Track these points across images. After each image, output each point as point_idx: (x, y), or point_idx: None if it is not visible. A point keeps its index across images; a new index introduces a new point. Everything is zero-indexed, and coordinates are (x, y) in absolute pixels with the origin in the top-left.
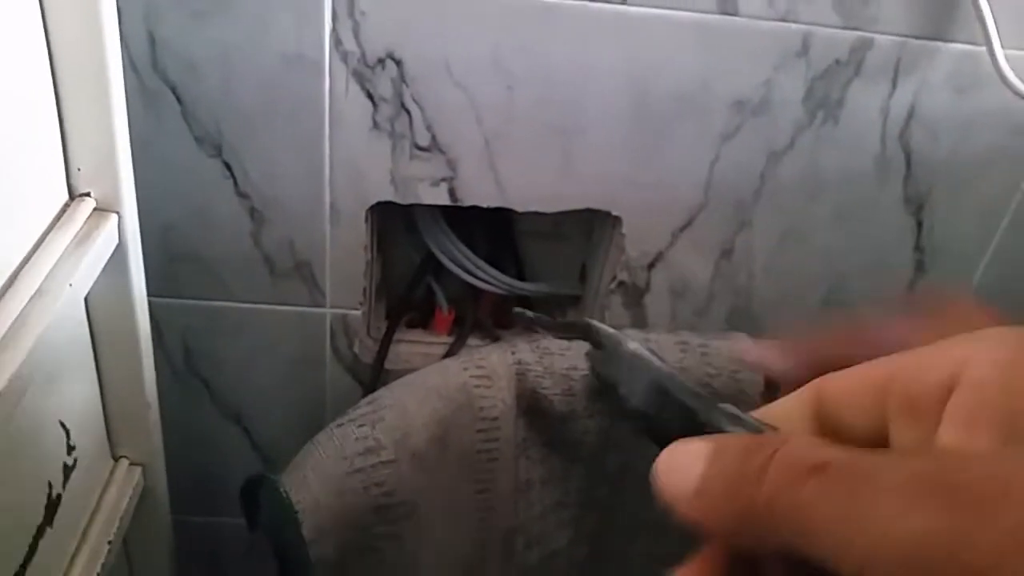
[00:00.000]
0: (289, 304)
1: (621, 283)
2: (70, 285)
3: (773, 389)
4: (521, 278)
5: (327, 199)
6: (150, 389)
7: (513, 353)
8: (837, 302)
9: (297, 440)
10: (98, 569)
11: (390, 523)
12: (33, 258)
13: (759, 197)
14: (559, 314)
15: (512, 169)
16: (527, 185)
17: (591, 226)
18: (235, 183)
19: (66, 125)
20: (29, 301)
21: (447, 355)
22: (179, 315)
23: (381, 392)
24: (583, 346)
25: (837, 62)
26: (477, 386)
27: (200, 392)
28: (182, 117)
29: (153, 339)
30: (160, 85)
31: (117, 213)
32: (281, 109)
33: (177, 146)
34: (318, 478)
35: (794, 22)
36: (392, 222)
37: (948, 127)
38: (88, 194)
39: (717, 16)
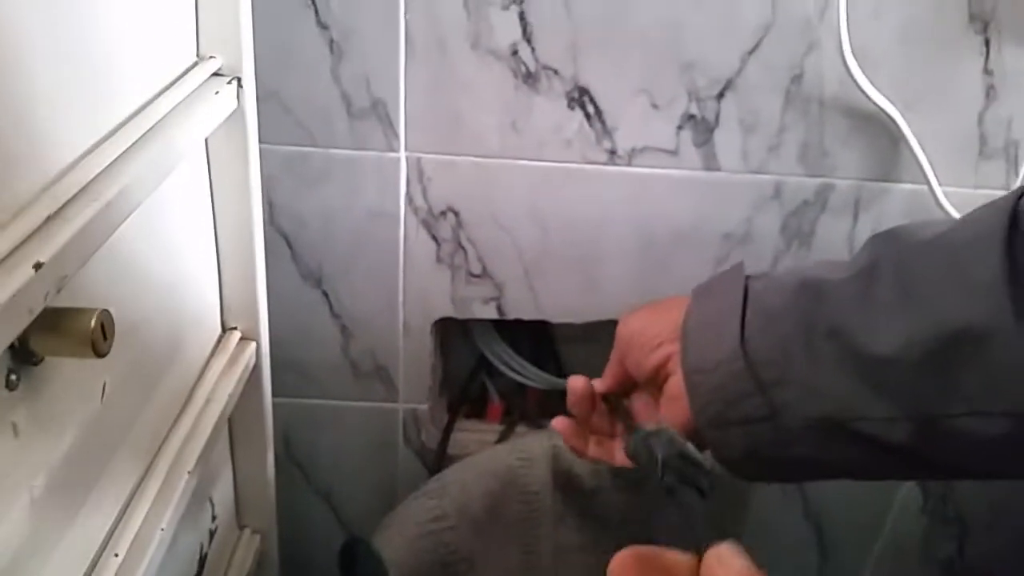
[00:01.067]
0: (370, 400)
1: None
2: (228, 394)
3: None
4: (560, 375)
5: (401, 317)
6: (270, 474)
7: (550, 439)
8: None
9: (373, 512)
10: None
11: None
12: (200, 381)
13: None
14: None
15: (547, 290)
16: (559, 302)
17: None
18: (330, 307)
19: (223, 276)
20: (203, 410)
21: (498, 441)
22: (281, 412)
23: (445, 472)
24: None
25: (805, 202)
26: (520, 467)
27: (297, 477)
28: (291, 259)
29: None
30: (275, 235)
31: (256, 341)
32: (367, 250)
33: (287, 280)
34: (401, 539)
35: (767, 173)
36: (451, 332)
37: None
38: (236, 327)
39: (703, 172)
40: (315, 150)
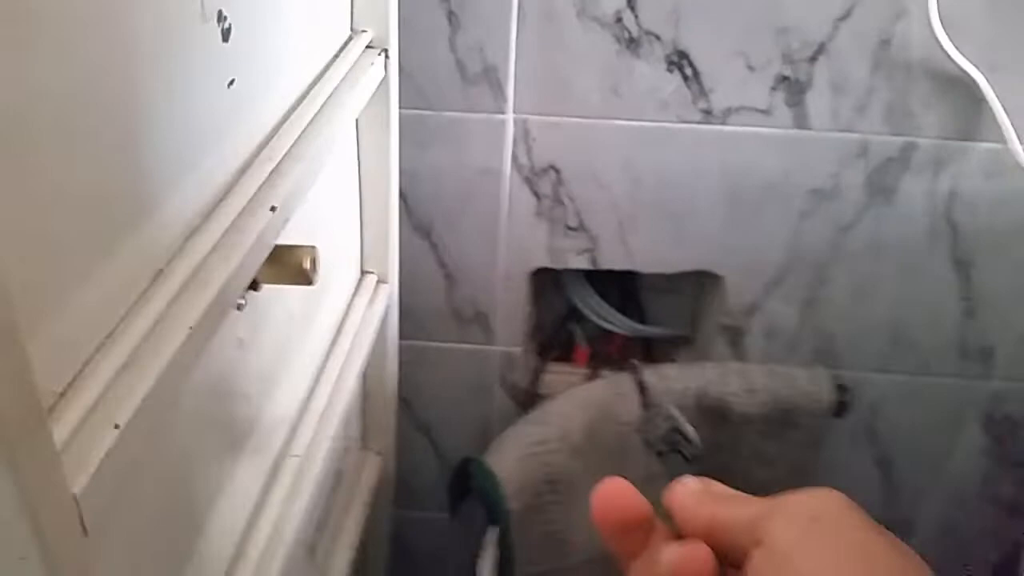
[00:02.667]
0: (470, 343)
1: (725, 327)
2: (372, 328)
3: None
4: (643, 323)
5: (500, 267)
6: (392, 403)
7: (639, 375)
8: (902, 342)
9: (467, 446)
10: (361, 523)
11: (555, 493)
12: (348, 314)
13: (834, 261)
14: (672, 350)
15: (638, 242)
16: (650, 253)
17: (700, 281)
18: (438, 257)
19: (364, 227)
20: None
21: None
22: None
23: (548, 403)
24: (693, 374)
25: (889, 160)
26: (614, 400)
27: (403, 411)
28: (405, 212)
29: None
30: None
31: (388, 283)
32: (474, 204)
33: (400, 232)
34: (510, 458)
35: (854, 132)
36: (544, 281)
37: (984, 204)
38: (372, 271)
39: (794, 130)
40: (431, 113)
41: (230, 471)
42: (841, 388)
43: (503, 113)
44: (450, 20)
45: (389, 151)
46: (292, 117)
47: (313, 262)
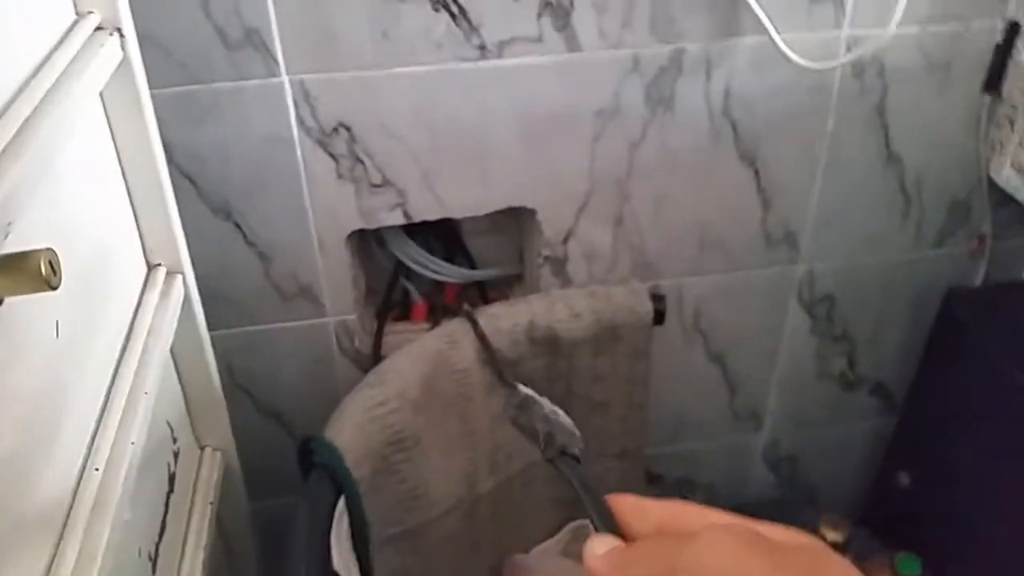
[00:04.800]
0: (300, 319)
1: (547, 258)
2: (166, 322)
3: (659, 318)
4: (473, 268)
5: (314, 236)
6: (219, 392)
7: (471, 321)
8: (711, 243)
9: (322, 421)
10: (208, 519)
11: (402, 451)
12: (138, 313)
13: (631, 176)
14: (507, 288)
15: (446, 189)
16: (459, 198)
17: (518, 218)
18: (244, 237)
19: (139, 218)
20: (146, 347)
21: None
22: (220, 343)
23: (382, 363)
24: (520, 310)
25: (662, 69)
26: (448, 348)
27: (244, 400)
28: (198, 196)
29: None
30: (178, 176)
31: (181, 273)
32: (269, 176)
33: (198, 217)
34: (350, 427)
35: (624, 47)
36: (367, 243)
37: (757, 97)
38: (160, 264)
39: (567, 55)
40: (199, 87)
41: (27, 494)
42: (656, 297)
43: (276, 76)
44: None
45: (148, 135)
46: (5, 115)
47: (51, 264)
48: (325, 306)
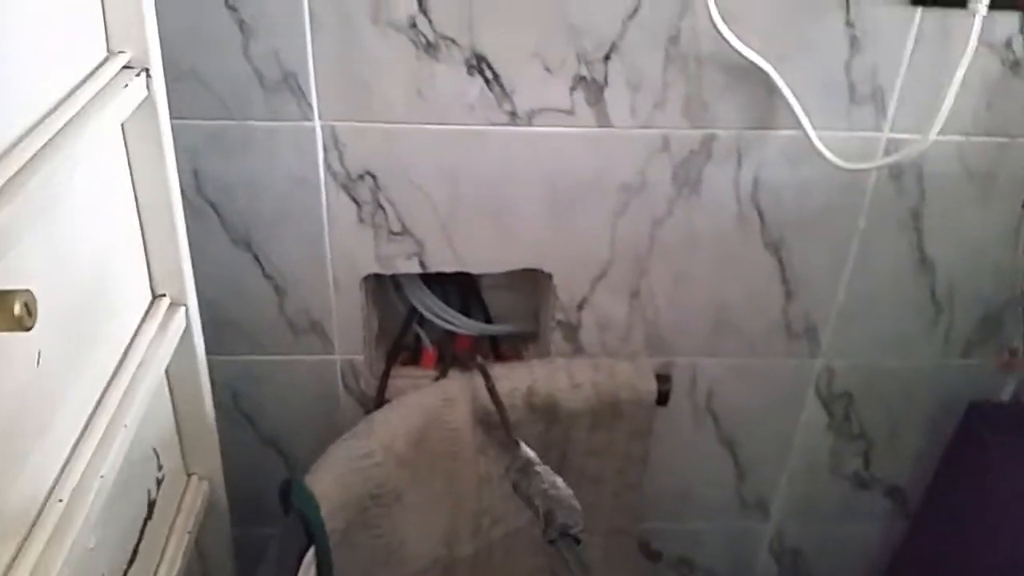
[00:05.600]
0: (308, 354)
1: (559, 322)
2: (161, 355)
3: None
4: (488, 321)
5: (330, 275)
6: (211, 422)
7: (470, 380)
8: (728, 327)
9: (318, 457)
10: (183, 550)
11: (382, 506)
12: (132, 344)
13: (652, 252)
14: (521, 346)
15: (464, 243)
16: (477, 254)
17: (536, 279)
18: (262, 269)
19: (148, 248)
20: (136, 374)
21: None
22: (227, 368)
23: (374, 415)
24: (521, 374)
25: (692, 152)
26: (442, 406)
27: (246, 428)
28: (221, 226)
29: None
30: (203, 204)
31: (184, 305)
32: (292, 214)
33: (219, 246)
34: (330, 476)
35: (655, 127)
36: (383, 287)
37: (788, 190)
38: (164, 294)
39: (597, 128)
40: (235, 123)
41: None
42: (661, 378)
43: (309, 120)
44: (241, 28)
45: (165, 169)
46: (15, 149)
47: (27, 307)
48: (334, 344)
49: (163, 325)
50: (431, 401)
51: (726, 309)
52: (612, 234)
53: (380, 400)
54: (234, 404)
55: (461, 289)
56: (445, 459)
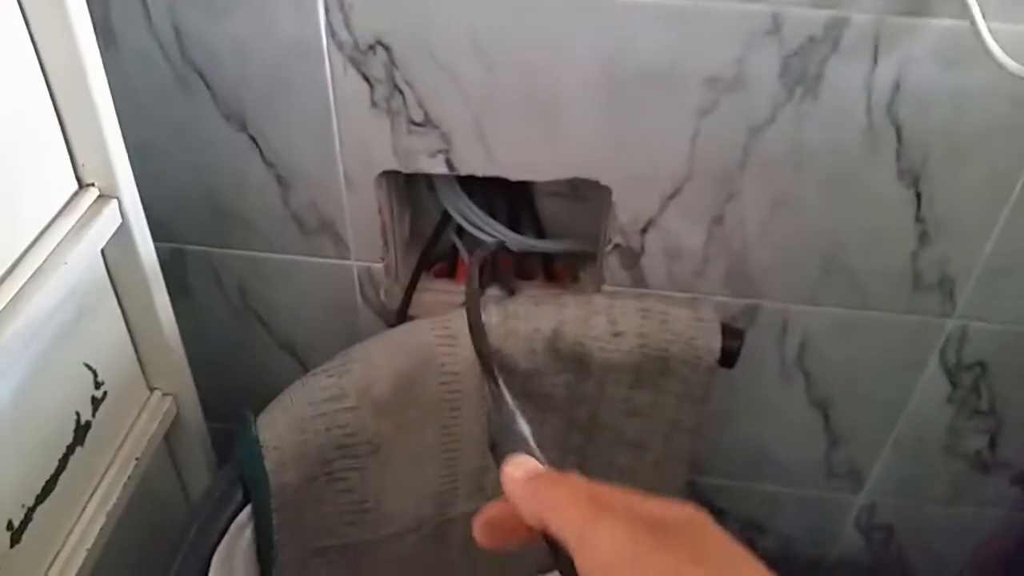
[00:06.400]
0: (320, 256)
1: (617, 246)
2: (65, 263)
3: (730, 359)
4: (541, 236)
5: (340, 168)
6: (170, 333)
7: (468, 312)
8: (837, 270)
9: None
10: (125, 480)
11: (352, 457)
12: (45, 233)
13: (744, 168)
14: (578, 267)
15: (500, 141)
16: (516, 155)
17: (601, 190)
18: (261, 154)
19: (68, 133)
20: (41, 267)
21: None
22: (233, 263)
23: (354, 347)
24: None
25: (811, 39)
26: (440, 344)
27: (257, 328)
28: (211, 99)
29: (213, 284)
30: (190, 72)
31: (117, 199)
32: (291, 90)
33: (210, 123)
34: (285, 419)
35: (762, 2)
36: (416, 185)
37: (939, 100)
38: (92, 184)
39: None
40: None
41: None
42: (730, 331)
43: None
44: None
45: (72, 31)
46: None
47: None
48: (349, 248)
49: (86, 219)
50: (427, 337)
51: (837, 248)
52: (692, 142)
53: (403, 315)
54: (243, 302)
55: (511, 195)
56: (440, 408)
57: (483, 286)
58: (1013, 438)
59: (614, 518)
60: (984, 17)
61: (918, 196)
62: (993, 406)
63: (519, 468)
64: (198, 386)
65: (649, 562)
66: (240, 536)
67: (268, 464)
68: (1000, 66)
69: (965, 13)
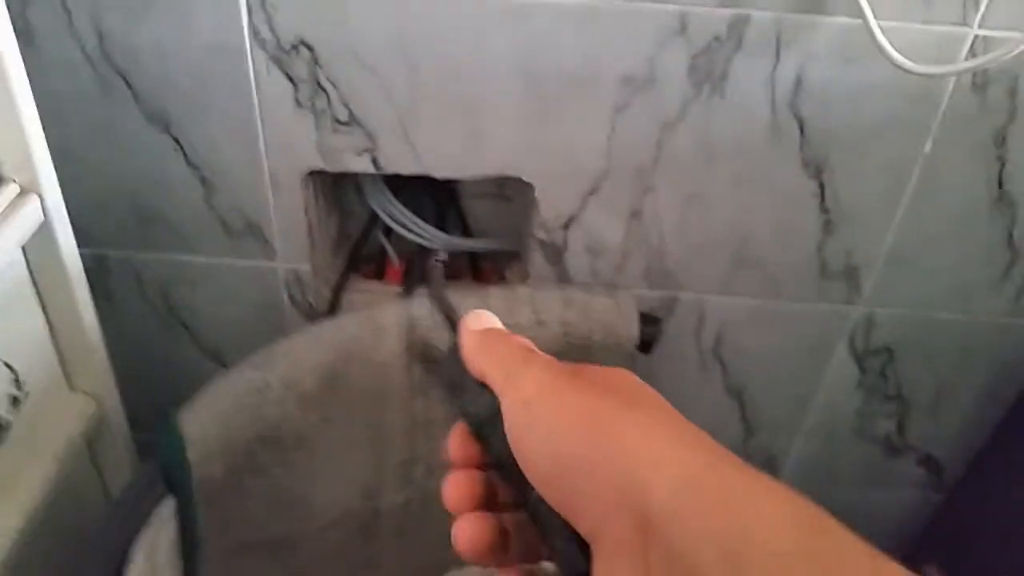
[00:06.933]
0: (246, 259)
1: (541, 242)
2: None
3: (648, 345)
4: (468, 235)
5: (266, 169)
6: (92, 334)
7: (407, 308)
8: (749, 261)
9: None
10: (44, 481)
11: (278, 451)
12: None
13: (658, 164)
14: (504, 265)
15: (425, 140)
16: (441, 154)
17: (521, 188)
18: (185, 155)
19: None
20: None
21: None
22: (157, 267)
23: (279, 342)
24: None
25: (716, 39)
26: (366, 336)
27: (182, 333)
28: (133, 100)
29: (135, 290)
30: (111, 73)
31: (39, 195)
32: (215, 91)
33: (133, 124)
34: (208, 412)
35: (669, 3)
36: (343, 187)
37: (838, 96)
38: (13, 180)
39: (594, 0)
40: None
41: None
42: (647, 318)
43: None
44: None
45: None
46: None
47: None
48: (275, 250)
49: (6, 215)
50: (355, 331)
51: (748, 240)
52: (608, 139)
53: (332, 316)
54: (167, 308)
55: (437, 195)
56: (367, 399)
57: (412, 287)
58: (920, 422)
59: (544, 363)
60: (876, 16)
61: (822, 187)
62: (900, 390)
63: (478, 320)
64: (122, 394)
65: (566, 394)
66: (163, 530)
67: (191, 456)
68: (893, 63)
69: (859, 12)
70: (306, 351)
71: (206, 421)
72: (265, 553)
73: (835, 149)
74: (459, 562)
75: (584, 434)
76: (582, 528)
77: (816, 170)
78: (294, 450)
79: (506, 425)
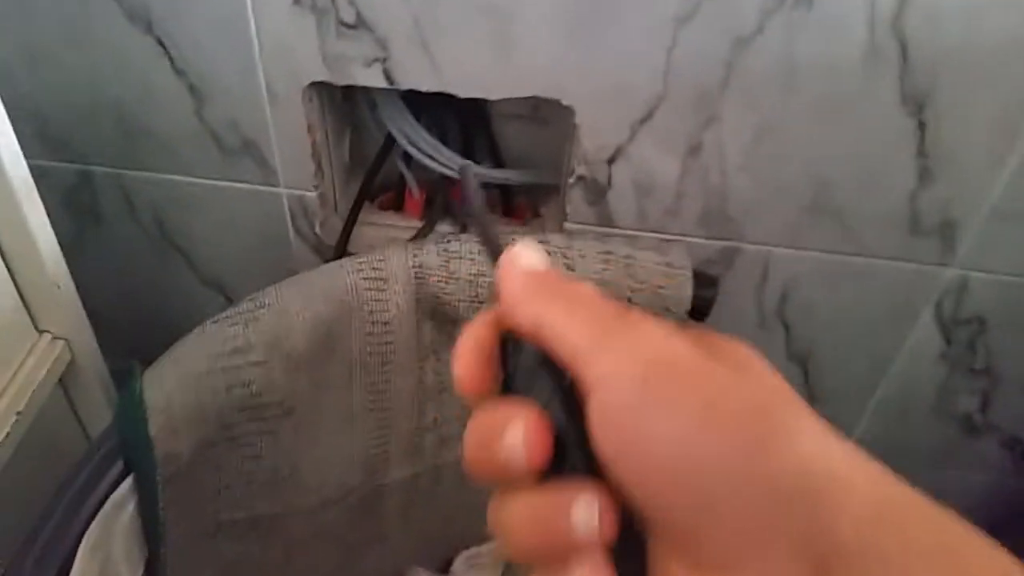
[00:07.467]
0: (244, 182)
1: (581, 178)
2: None
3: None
4: (499, 165)
5: (261, 77)
6: (54, 266)
7: (415, 256)
8: (826, 209)
9: None
10: (6, 434)
11: (259, 420)
12: None
13: (726, 88)
14: (541, 200)
15: (446, 51)
16: (465, 70)
17: (561, 111)
18: (171, 60)
19: None
20: None
21: (415, 239)
22: (148, 188)
23: (266, 290)
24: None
25: None
26: (368, 288)
27: (179, 261)
28: None
29: (126, 211)
30: None
31: None
32: None
33: (110, 23)
34: (176, 376)
35: None
36: (355, 102)
37: (952, 12)
38: None
39: None
40: None
41: None
42: (703, 279)
43: None
44: None
45: None
46: None
47: None
48: (277, 173)
49: None
50: (351, 280)
51: (827, 184)
52: (667, 57)
53: (342, 251)
54: (160, 232)
55: (464, 117)
56: (369, 362)
57: (434, 221)
58: (1007, 401)
59: (655, 323)
60: None
61: (922, 127)
62: (989, 365)
63: (529, 255)
64: (114, 326)
65: (706, 373)
66: (119, 513)
67: (152, 430)
68: None
69: None
70: (296, 304)
71: (173, 387)
72: (248, 533)
73: (943, 81)
74: (471, 539)
75: (740, 433)
76: (703, 554)
77: (917, 106)
78: (280, 420)
79: (597, 406)
